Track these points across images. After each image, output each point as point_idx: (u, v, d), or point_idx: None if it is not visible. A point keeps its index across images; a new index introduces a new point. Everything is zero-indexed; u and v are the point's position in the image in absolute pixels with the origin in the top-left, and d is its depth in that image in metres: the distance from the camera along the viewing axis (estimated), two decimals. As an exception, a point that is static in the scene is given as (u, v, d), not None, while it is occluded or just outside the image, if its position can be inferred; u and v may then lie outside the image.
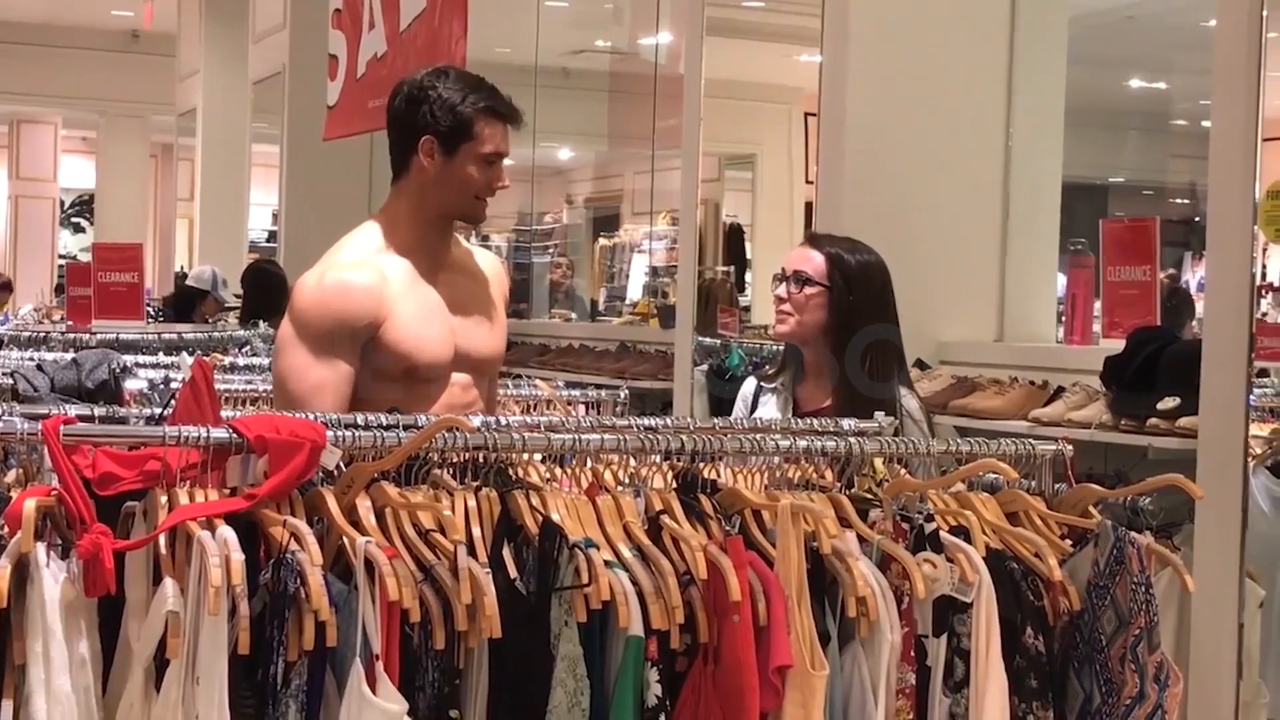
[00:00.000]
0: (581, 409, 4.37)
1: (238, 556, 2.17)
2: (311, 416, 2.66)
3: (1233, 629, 3.71)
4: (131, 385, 4.01)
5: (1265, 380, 4.34)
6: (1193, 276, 11.37)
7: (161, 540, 2.25)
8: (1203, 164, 3.96)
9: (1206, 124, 4.00)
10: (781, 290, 3.92)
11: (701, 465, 2.71)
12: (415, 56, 6.61)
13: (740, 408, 4.10)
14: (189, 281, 10.54)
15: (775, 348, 6.56)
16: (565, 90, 12.01)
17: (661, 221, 10.94)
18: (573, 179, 14.90)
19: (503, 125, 3.51)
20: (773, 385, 4.03)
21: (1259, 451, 4.07)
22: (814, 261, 3.92)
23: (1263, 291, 4.18)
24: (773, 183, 11.43)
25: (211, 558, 2.15)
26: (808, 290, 3.89)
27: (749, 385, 4.13)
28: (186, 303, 10.05)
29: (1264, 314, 4.75)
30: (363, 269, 3.44)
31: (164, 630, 2.17)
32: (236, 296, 9.82)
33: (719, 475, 2.74)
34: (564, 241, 13.69)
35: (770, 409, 3.98)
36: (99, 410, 3.13)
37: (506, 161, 3.55)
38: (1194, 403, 3.98)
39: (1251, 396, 3.79)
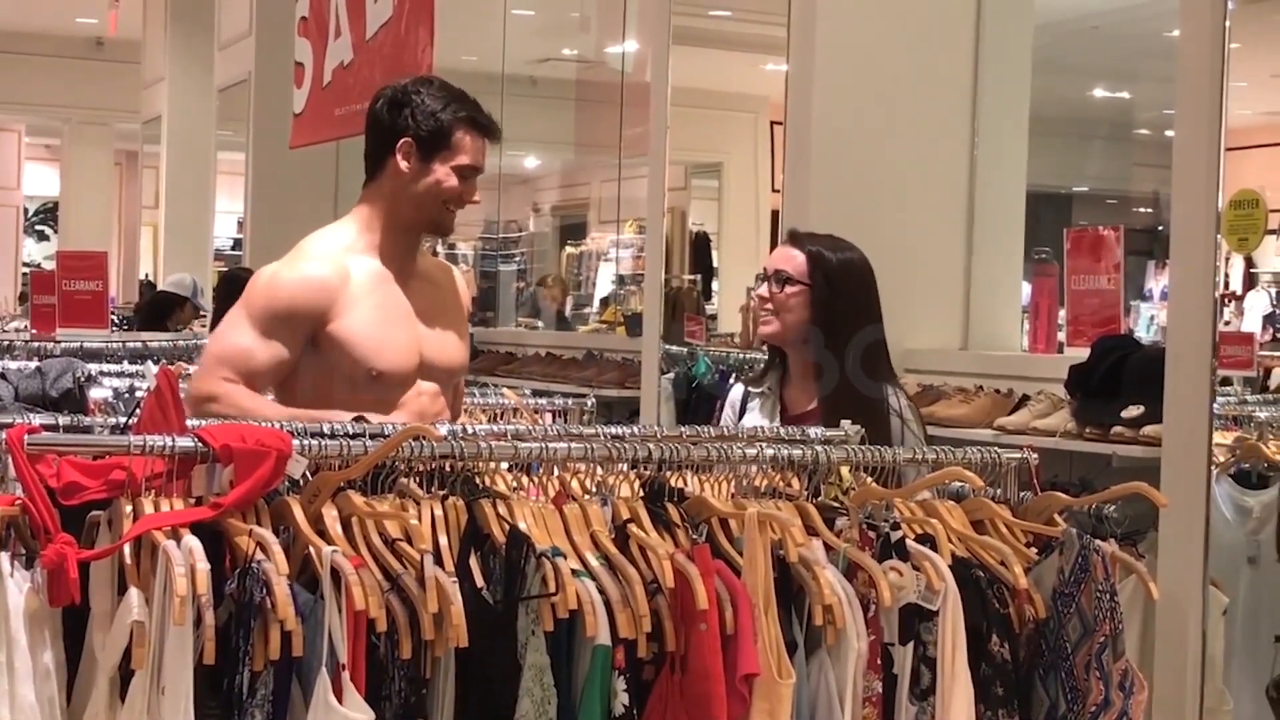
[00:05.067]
0: (548, 417, 4.36)
1: (203, 566, 2.17)
2: (277, 424, 2.66)
3: (1197, 636, 3.73)
4: (96, 394, 3.99)
5: (1228, 388, 4.36)
6: (1156, 285, 11.40)
7: (126, 550, 2.24)
8: (1166, 173, 3.97)
9: (1170, 133, 4.02)
10: (763, 290, 3.85)
11: (668, 474, 2.72)
12: (382, 65, 6.59)
13: (729, 414, 4.01)
14: (168, 287, 10.47)
15: (741, 355, 6.59)
16: (532, 98, 12.01)
17: (628, 229, 10.94)
18: (540, 187, 14.89)
19: (481, 139, 3.54)
20: (760, 390, 3.96)
21: (1222, 459, 4.09)
22: (795, 260, 3.84)
23: (1225, 300, 4.20)
24: (739, 191, 11.44)
25: (177, 567, 2.15)
26: (789, 289, 3.81)
27: (736, 392, 4.04)
28: (163, 309, 9.98)
29: (1227, 322, 4.78)
30: (324, 263, 3.47)
31: (129, 640, 2.17)
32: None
33: (686, 484, 2.75)
34: (531, 250, 13.68)
35: (757, 414, 3.92)
36: (63, 419, 3.12)
37: None
38: (1158, 411, 4.00)
39: (1215, 404, 3.81)
